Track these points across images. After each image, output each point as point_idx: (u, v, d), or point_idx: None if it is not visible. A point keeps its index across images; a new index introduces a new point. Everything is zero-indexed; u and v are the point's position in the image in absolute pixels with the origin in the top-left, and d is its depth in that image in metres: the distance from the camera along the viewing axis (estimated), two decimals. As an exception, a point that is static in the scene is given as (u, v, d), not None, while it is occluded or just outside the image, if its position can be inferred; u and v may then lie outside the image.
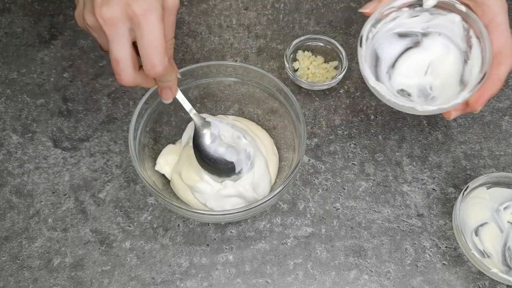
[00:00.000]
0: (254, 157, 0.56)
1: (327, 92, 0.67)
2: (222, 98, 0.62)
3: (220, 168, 0.55)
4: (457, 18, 0.51)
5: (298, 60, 0.69)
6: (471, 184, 0.56)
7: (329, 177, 0.61)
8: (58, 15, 0.73)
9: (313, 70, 0.67)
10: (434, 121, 0.65)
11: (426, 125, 0.65)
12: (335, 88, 0.67)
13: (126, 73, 0.44)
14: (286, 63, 0.66)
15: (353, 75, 0.68)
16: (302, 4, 0.73)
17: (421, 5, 0.51)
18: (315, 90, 0.67)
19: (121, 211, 0.59)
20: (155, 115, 0.59)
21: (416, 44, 0.53)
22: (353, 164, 0.62)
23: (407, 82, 0.52)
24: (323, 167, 0.62)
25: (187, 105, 0.53)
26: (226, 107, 0.63)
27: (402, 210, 0.59)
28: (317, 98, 0.67)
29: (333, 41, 0.68)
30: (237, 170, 0.55)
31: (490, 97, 0.51)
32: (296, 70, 0.68)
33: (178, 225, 0.58)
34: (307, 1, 0.74)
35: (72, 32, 0.71)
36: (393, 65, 0.53)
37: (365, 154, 0.63)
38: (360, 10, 0.54)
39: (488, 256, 0.54)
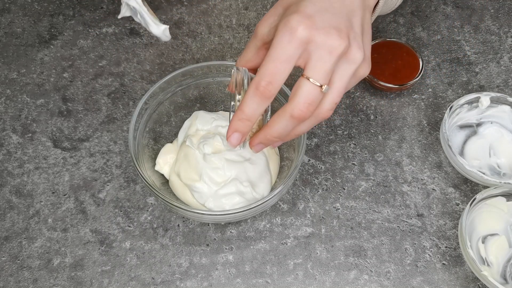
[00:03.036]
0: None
1: (327, 92, 0.67)
2: (222, 98, 0.62)
3: None
4: (507, 108, 0.61)
5: None
6: (491, 191, 0.55)
7: (329, 177, 0.61)
8: (58, 15, 0.73)
9: None
10: (434, 121, 0.65)
11: (426, 125, 0.65)
12: (335, 88, 0.67)
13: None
14: None
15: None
16: (302, 4, 0.73)
17: (477, 106, 0.62)
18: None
19: (121, 211, 0.59)
20: (155, 115, 0.59)
21: (473, 133, 0.63)
22: (353, 164, 0.62)
23: (478, 165, 0.60)
24: (323, 167, 0.62)
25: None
26: (226, 107, 0.63)
27: (402, 210, 0.59)
28: (317, 98, 0.66)
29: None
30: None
31: (268, 139, 0.44)
32: None
33: (178, 225, 0.58)
34: (307, 1, 0.73)
35: (72, 32, 0.71)
36: (461, 152, 0.62)
37: (365, 154, 0.63)
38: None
39: (488, 265, 0.54)
